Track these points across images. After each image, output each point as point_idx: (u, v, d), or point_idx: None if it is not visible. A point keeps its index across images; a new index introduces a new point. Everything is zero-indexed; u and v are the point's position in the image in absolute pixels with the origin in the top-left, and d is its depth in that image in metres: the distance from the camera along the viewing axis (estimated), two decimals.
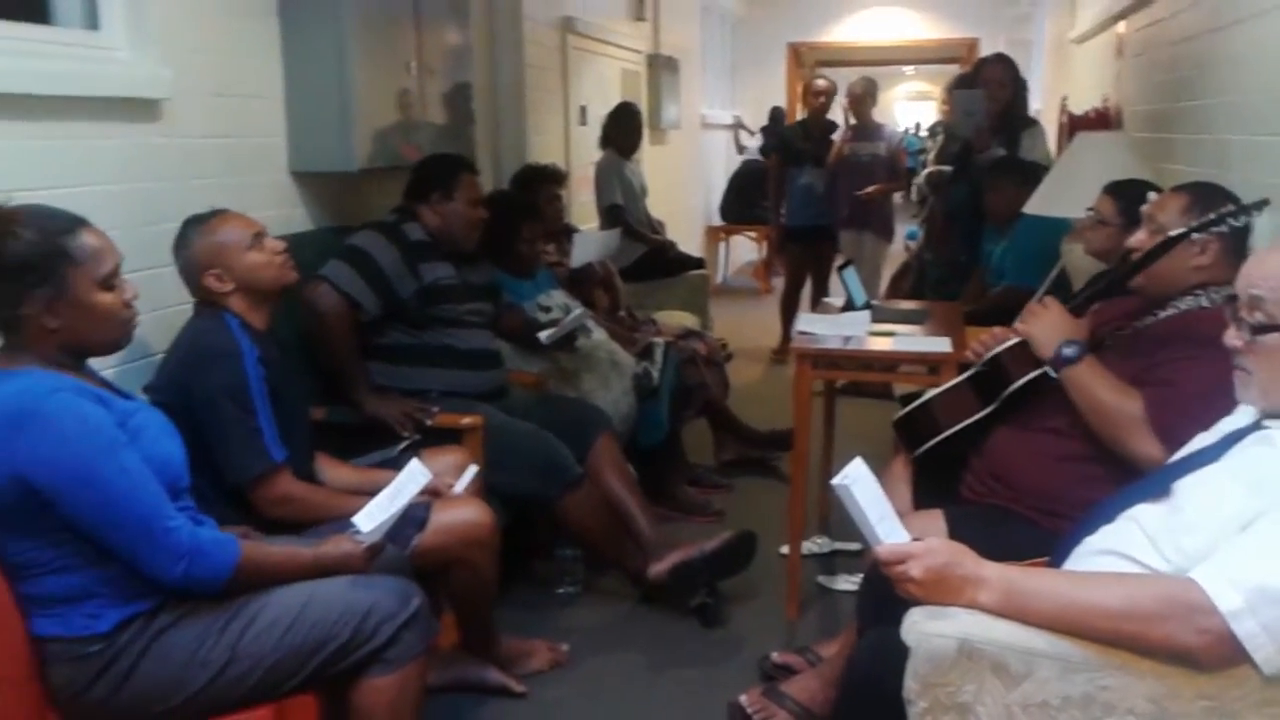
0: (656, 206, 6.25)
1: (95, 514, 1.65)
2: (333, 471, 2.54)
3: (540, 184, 4.32)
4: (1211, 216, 2.02)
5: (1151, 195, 2.50)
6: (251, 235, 2.36)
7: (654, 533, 3.20)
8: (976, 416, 2.34)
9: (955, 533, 2.21)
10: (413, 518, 2.23)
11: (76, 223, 1.75)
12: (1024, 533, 2.13)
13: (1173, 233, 2.07)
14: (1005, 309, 3.70)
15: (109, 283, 1.76)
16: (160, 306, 2.67)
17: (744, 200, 8.76)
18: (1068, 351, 2.16)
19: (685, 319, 4.90)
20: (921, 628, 1.52)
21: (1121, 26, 4.97)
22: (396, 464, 2.70)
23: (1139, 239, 2.21)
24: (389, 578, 1.93)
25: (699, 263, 5.69)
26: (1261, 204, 2.04)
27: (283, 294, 2.48)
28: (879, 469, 2.59)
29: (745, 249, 10.36)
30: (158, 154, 2.70)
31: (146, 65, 2.66)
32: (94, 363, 1.91)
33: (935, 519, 2.26)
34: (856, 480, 1.64)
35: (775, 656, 2.77)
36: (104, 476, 1.64)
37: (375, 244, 3.03)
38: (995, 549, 2.07)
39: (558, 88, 5.73)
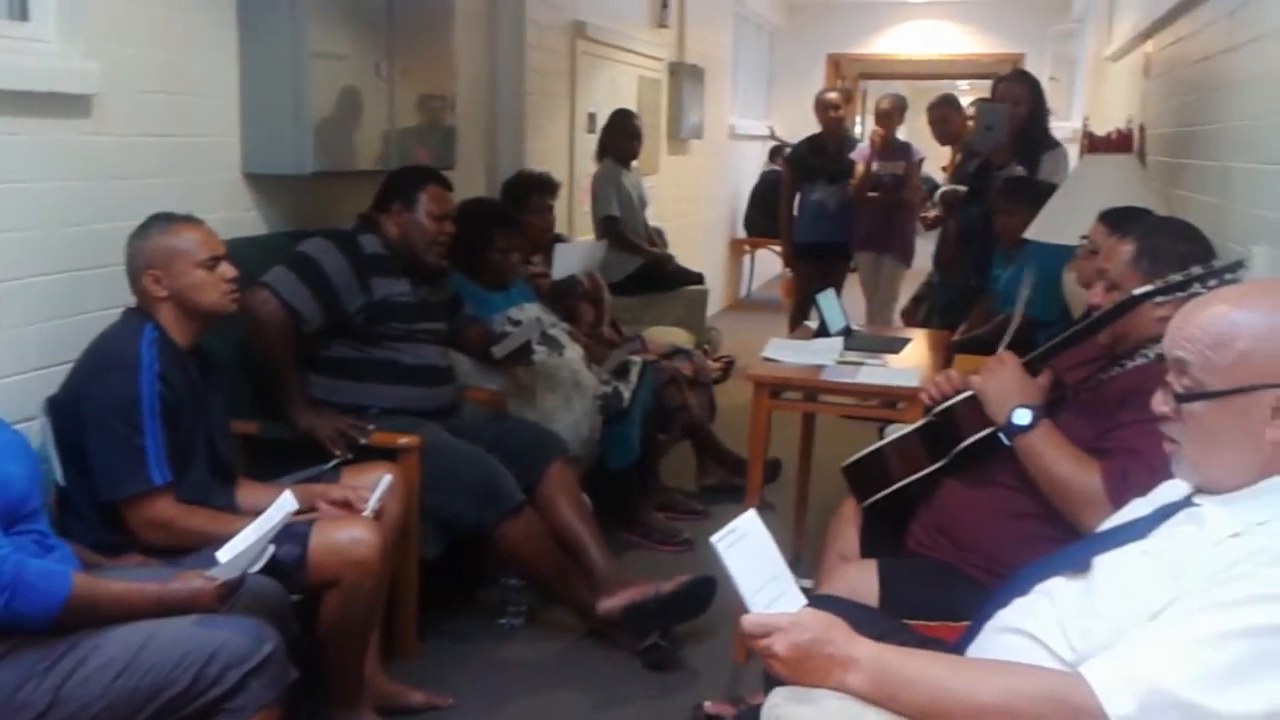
0: (673, 218, 6.06)
1: None
2: (251, 495, 2.40)
3: (530, 193, 4.16)
4: (1178, 279, 1.84)
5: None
6: (208, 254, 2.29)
7: (608, 566, 3.03)
8: (926, 470, 2.18)
9: (888, 587, 2.08)
10: (294, 533, 2.08)
11: None
12: (967, 592, 1.95)
13: (1137, 291, 1.91)
14: (1002, 340, 3.50)
15: None
16: (79, 312, 2.58)
17: (766, 213, 8.56)
18: (1019, 419, 1.99)
19: (677, 336, 4.72)
20: (779, 711, 1.36)
21: (1150, 45, 4.71)
22: (329, 481, 2.60)
23: (1096, 295, 2.08)
24: (242, 618, 1.78)
25: (698, 278, 5.50)
26: (1235, 266, 1.86)
27: (215, 319, 2.38)
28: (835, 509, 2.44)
29: (772, 263, 10.16)
30: (85, 152, 2.59)
31: (74, 58, 2.55)
32: None
33: (869, 571, 2.12)
34: (741, 537, 1.48)
35: (708, 706, 2.60)
36: None
37: (325, 252, 2.90)
38: (933, 607, 1.97)
39: (564, 93, 5.59)
